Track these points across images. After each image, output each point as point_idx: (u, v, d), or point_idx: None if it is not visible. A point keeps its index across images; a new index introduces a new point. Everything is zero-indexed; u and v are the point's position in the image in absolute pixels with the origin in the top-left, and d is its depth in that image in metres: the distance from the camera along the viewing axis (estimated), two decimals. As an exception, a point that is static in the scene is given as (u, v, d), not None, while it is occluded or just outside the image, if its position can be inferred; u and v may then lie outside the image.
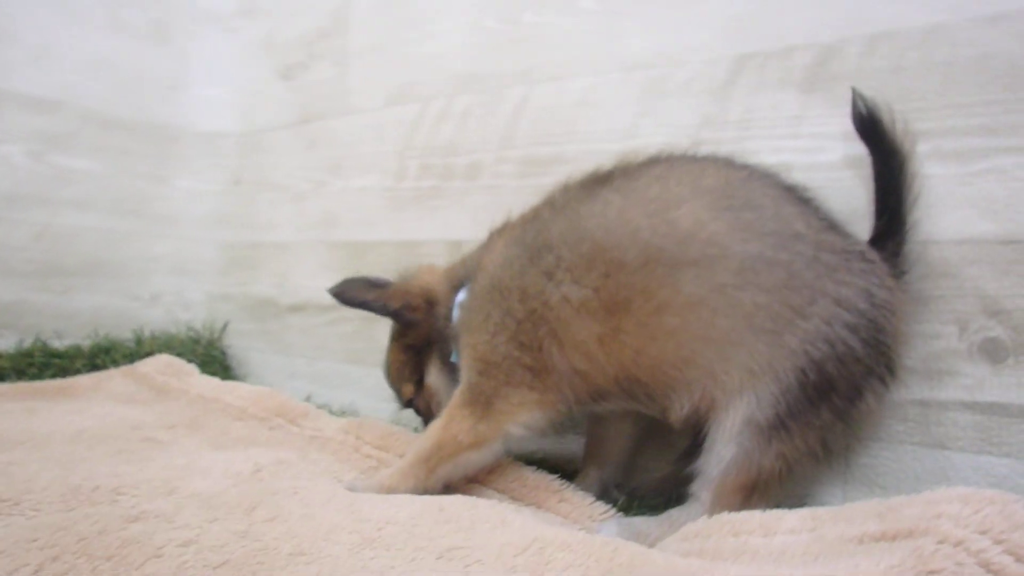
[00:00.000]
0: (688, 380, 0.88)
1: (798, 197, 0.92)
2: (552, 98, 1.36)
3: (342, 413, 1.59)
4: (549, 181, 1.33)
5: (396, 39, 1.63)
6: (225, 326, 1.93)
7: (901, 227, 0.93)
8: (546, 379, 0.93)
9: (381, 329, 1.61)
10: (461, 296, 1.07)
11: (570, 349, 0.92)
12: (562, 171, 1.32)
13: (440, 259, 1.49)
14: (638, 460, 1.15)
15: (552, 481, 1.01)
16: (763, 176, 0.94)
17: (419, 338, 1.13)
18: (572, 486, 1.00)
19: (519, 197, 1.38)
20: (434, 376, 1.14)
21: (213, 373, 1.78)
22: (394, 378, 1.18)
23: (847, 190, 1.04)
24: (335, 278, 1.73)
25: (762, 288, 0.84)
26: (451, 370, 1.09)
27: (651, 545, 0.87)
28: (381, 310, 1.11)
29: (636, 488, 1.12)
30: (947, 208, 0.98)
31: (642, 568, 0.70)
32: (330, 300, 1.68)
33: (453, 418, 0.98)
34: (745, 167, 0.96)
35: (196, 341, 1.87)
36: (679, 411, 0.89)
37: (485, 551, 0.74)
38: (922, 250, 0.98)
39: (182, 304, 1.98)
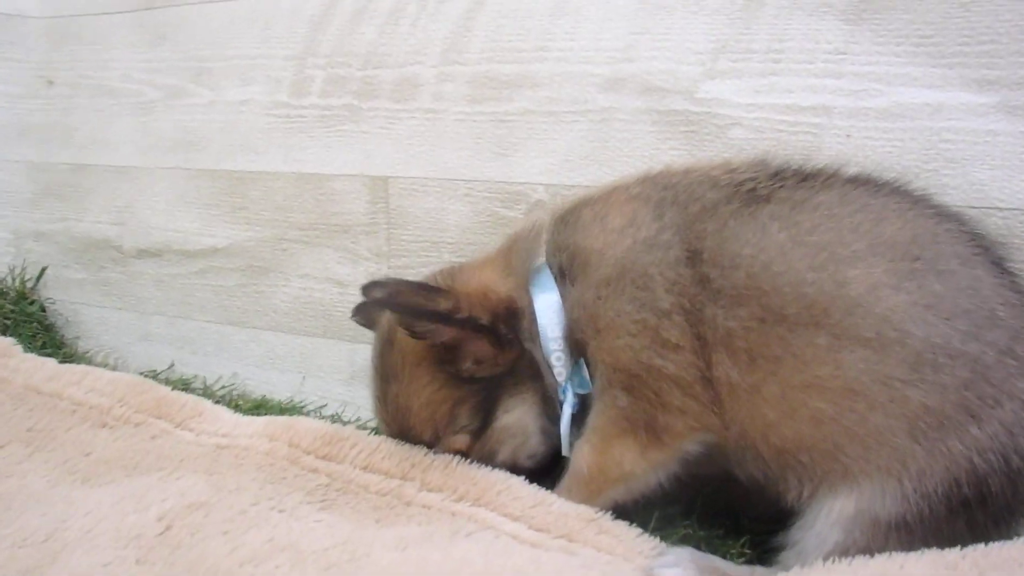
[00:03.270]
0: (815, 469, 0.68)
1: (992, 258, 0.70)
2: (518, 0, 1.03)
3: (223, 390, 1.22)
4: (512, 109, 1.02)
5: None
6: (42, 273, 1.40)
7: None
8: (703, 394, 0.69)
9: (270, 283, 1.24)
10: (547, 300, 0.76)
11: (719, 382, 0.68)
12: (529, 97, 1.01)
13: (357, 198, 1.14)
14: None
15: (583, 510, 0.73)
16: (951, 224, 0.71)
17: (496, 366, 0.76)
18: (608, 514, 0.74)
19: (470, 127, 1.05)
20: (521, 413, 0.78)
21: (31, 336, 1.29)
22: (431, 422, 0.78)
23: (896, 144, 0.85)
24: (202, 216, 1.28)
25: (937, 387, 0.64)
26: (550, 407, 0.78)
27: None
28: (466, 326, 0.74)
29: None
30: (1016, 171, 0.83)
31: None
32: (197, 245, 1.28)
33: (611, 446, 0.73)
34: (930, 209, 0.72)
35: (2, 294, 1.34)
36: (793, 496, 0.69)
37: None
38: (982, 218, 0.83)
39: (-27, 243, 1.42)
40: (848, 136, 0.87)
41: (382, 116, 1.10)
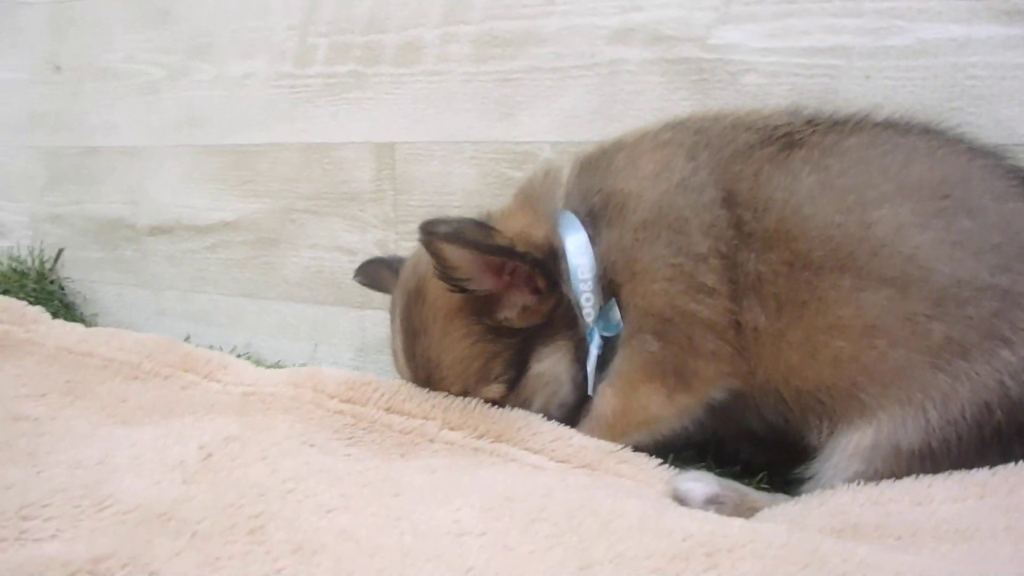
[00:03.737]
0: (834, 408, 0.67)
1: None
2: (520, -45, 0.98)
3: (239, 359, 1.21)
4: (518, 67, 0.99)
5: None
6: (59, 254, 1.40)
7: None
8: (735, 339, 0.68)
9: (279, 254, 1.22)
10: (578, 241, 0.74)
11: (747, 327, 0.67)
12: (534, 54, 0.98)
13: (364, 166, 1.12)
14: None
15: (602, 443, 0.73)
16: (985, 161, 0.69)
17: (535, 314, 0.74)
18: (628, 447, 0.73)
19: (475, 88, 1.02)
20: (555, 362, 0.76)
21: (52, 314, 1.26)
22: (464, 375, 0.76)
23: (919, 84, 0.81)
24: (210, 192, 1.27)
25: (962, 319, 0.63)
26: (574, 346, 0.76)
27: (753, 511, 0.67)
28: (524, 261, 0.71)
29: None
30: (1045, 105, 0.78)
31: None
32: (207, 220, 1.27)
33: (637, 390, 0.72)
34: (963, 147, 0.70)
35: (23, 274, 1.33)
36: (814, 436, 0.69)
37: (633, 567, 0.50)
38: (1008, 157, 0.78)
39: (-8, 228, 1.42)
40: (867, 77, 0.83)
41: (386, 81, 1.07)
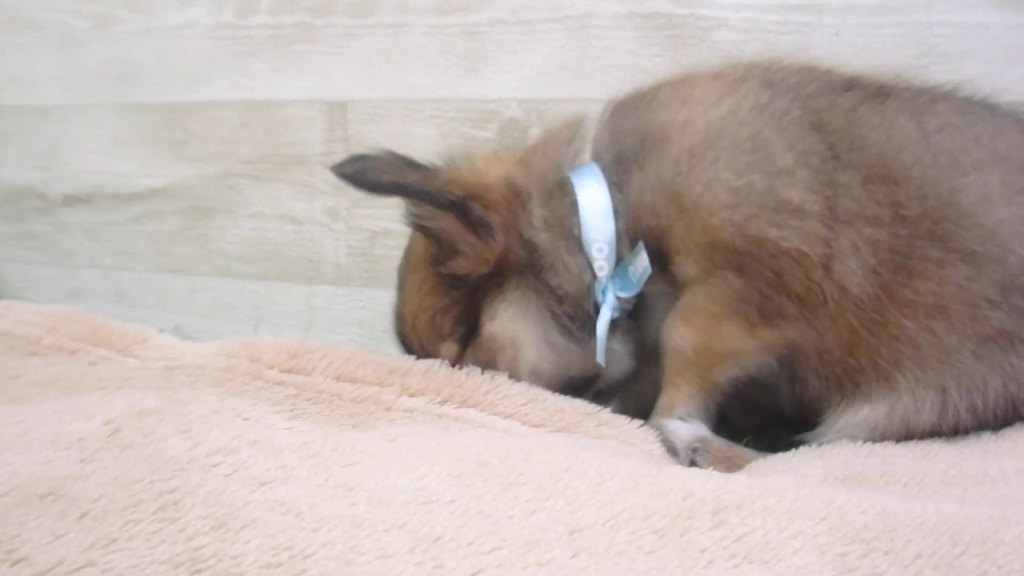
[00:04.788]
0: (867, 384, 0.63)
1: None
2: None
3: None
4: (482, 20, 0.93)
5: None
6: (-45, 228, 1.25)
7: None
8: (823, 281, 0.62)
9: (216, 225, 1.12)
10: (594, 191, 0.67)
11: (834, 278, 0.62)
12: (500, 6, 0.92)
13: (312, 126, 1.03)
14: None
15: (578, 403, 0.67)
16: None
17: (480, 261, 0.67)
18: (607, 409, 0.67)
19: (437, 42, 0.96)
20: (511, 319, 0.69)
21: None
22: (420, 330, 0.72)
23: (888, 40, 0.80)
24: (138, 156, 1.14)
25: (1020, 312, 0.60)
26: (553, 306, 0.68)
27: (743, 462, 0.63)
28: (434, 200, 0.65)
29: None
30: (1007, 64, 0.79)
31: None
32: (133, 187, 1.16)
33: (718, 324, 0.64)
34: None
35: (-91, 249, 1.18)
36: (827, 409, 0.65)
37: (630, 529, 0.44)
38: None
39: None
40: (838, 34, 0.82)
41: (338, 34, 1.00)
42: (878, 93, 0.66)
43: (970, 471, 0.56)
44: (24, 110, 1.19)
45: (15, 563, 0.39)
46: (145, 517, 0.43)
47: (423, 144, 0.98)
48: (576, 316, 0.69)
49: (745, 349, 0.65)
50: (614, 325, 0.68)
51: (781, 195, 0.62)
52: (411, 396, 0.68)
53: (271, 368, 0.72)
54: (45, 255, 1.21)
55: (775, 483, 0.49)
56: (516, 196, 0.68)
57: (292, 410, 0.66)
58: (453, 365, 0.70)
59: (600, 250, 0.67)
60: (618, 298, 0.67)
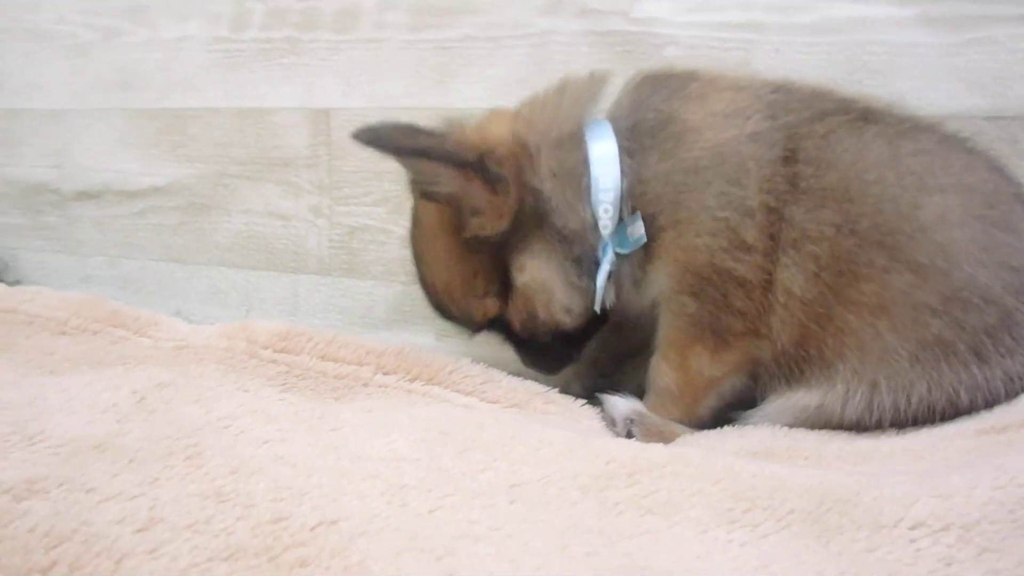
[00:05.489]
0: (810, 373, 0.68)
1: None
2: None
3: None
4: (453, 36, 1.00)
5: None
6: (-24, 221, 1.34)
7: None
8: (762, 298, 0.68)
9: (211, 220, 1.19)
10: (605, 149, 0.71)
11: (778, 287, 0.68)
12: (471, 23, 0.99)
13: (298, 131, 1.10)
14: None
15: (529, 383, 0.75)
16: None
17: (499, 215, 0.70)
18: (554, 389, 0.75)
19: (411, 55, 1.03)
20: (538, 268, 0.72)
21: None
22: (456, 296, 0.76)
23: (824, 58, 0.85)
24: (141, 156, 1.24)
25: (959, 324, 0.64)
26: (566, 251, 0.72)
27: (673, 436, 0.71)
28: (447, 159, 0.68)
29: None
30: (934, 80, 0.84)
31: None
32: (137, 185, 1.24)
33: (687, 357, 0.71)
34: (1014, 182, 0.71)
35: (-65, 240, 1.27)
36: (769, 394, 0.71)
37: (560, 485, 0.53)
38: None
39: (-99, 192, 1.33)
40: (777, 51, 0.87)
41: (323, 47, 1.07)
42: (861, 117, 0.70)
43: (863, 448, 0.63)
44: (38, 113, 1.28)
45: (88, 491, 0.48)
46: (177, 464, 0.53)
47: (399, 149, 1.05)
48: (582, 260, 0.73)
49: (716, 376, 0.71)
50: (610, 275, 0.73)
51: (742, 235, 0.68)
52: (385, 374, 0.77)
53: (265, 348, 0.82)
54: (59, 245, 1.29)
55: (686, 452, 0.58)
56: (523, 148, 0.71)
57: (284, 384, 0.76)
58: (496, 318, 0.76)
59: (606, 210, 0.70)
60: (616, 254, 0.71)
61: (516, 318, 0.76)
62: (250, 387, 0.72)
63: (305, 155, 1.09)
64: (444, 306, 0.78)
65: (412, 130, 0.71)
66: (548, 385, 0.77)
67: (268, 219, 1.13)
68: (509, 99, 0.98)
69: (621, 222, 0.71)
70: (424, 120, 1.02)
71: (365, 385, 0.76)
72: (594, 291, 0.73)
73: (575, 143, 0.72)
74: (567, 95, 0.75)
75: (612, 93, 0.77)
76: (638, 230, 0.70)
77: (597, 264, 0.72)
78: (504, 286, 0.74)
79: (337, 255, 1.09)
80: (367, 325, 1.07)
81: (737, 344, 0.70)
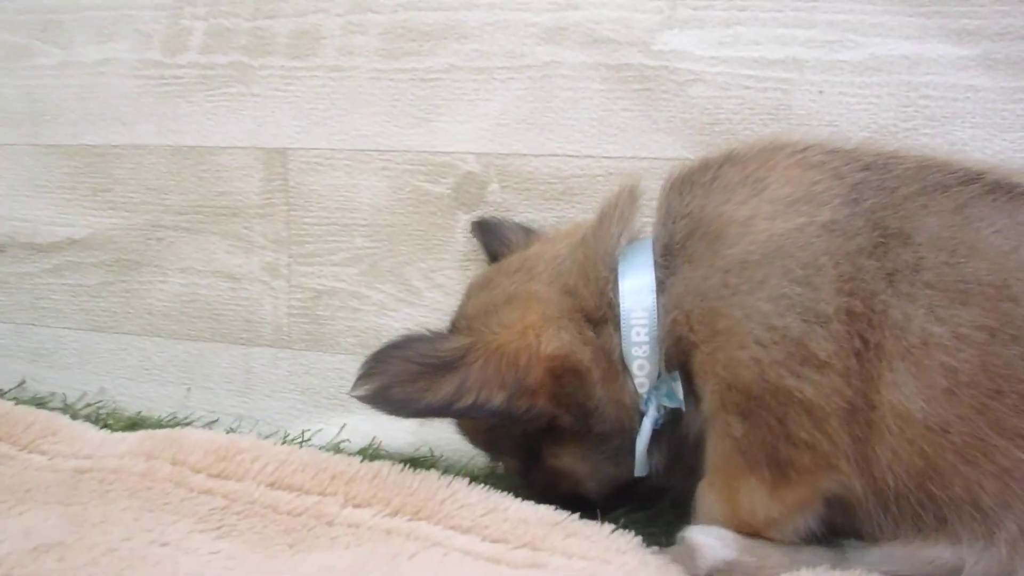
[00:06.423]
0: (949, 514, 0.53)
1: None
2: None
3: (88, 408, 0.98)
4: (435, 65, 0.84)
5: None
6: None
7: None
8: (838, 430, 0.52)
9: (143, 280, 0.99)
10: (638, 283, 0.59)
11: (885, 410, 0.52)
12: (455, 51, 0.83)
13: (249, 175, 0.93)
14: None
15: (543, 511, 0.60)
16: None
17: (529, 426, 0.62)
18: (574, 515, 0.60)
19: (385, 87, 0.87)
20: (572, 460, 0.65)
21: None
22: (477, 441, 0.70)
23: (873, 101, 0.73)
24: (55, 202, 1.01)
25: None
26: (604, 447, 0.63)
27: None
28: (478, 414, 0.60)
29: None
30: (997, 129, 0.74)
31: None
32: (50, 236, 1.03)
33: (736, 490, 0.56)
34: None
35: None
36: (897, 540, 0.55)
37: None
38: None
39: None
40: (820, 92, 0.75)
41: (277, 76, 0.89)
42: (1006, 189, 0.56)
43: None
44: (-75, 148, 1.06)
45: None
46: None
47: (371, 198, 0.88)
48: (622, 448, 0.63)
49: (775, 518, 0.56)
50: (656, 435, 0.61)
51: (810, 347, 0.53)
52: (356, 507, 0.61)
53: (197, 473, 0.64)
54: (-48, 307, 1.08)
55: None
56: (567, 373, 0.60)
57: (219, 527, 0.58)
58: (522, 471, 0.69)
59: (641, 367, 0.60)
60: (663, 408, 0.61)
61: (537, 479, 0.68)
62: (171, 537, 0.55)
63: (257, 203, 0.92)
64: (471, 441, 0.70)
65: (421, 367, 0.59)
66: (566, 511, 0.62)
67: (213, 279, 0.94)
68: (507, 142, 0.83)
69: (660, 378, 0.60)
70: (405, 166, 0.88)
71: (329, 524, 0.59)
72: (632, 462, 0.62)
73: (611, 308, 0.61)
74: (601, 230, 0.63)
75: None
76: (678, 392, 0.59)
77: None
78: (530, 452, 0.66)
79: (298, 324, 0.92)
80: (335, 408, 0.90)
81: (802, 481, 0.55)
